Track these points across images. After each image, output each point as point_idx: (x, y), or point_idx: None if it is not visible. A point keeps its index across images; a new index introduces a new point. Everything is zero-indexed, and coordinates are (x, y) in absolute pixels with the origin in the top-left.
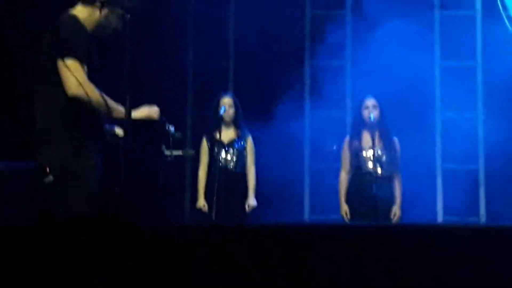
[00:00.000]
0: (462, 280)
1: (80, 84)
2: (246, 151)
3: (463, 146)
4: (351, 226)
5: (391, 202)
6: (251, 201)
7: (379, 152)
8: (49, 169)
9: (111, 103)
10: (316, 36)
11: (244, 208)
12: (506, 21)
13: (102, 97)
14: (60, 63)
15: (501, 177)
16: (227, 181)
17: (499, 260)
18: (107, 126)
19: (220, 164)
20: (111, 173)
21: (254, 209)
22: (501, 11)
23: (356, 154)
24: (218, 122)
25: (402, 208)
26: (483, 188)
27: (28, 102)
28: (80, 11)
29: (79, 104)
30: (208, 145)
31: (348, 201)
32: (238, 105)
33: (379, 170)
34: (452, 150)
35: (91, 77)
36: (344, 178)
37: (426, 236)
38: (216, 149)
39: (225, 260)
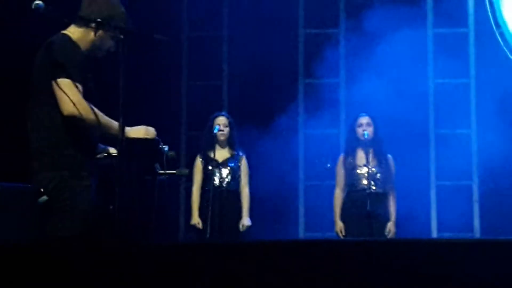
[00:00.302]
0: None
1: (75, 103)
2: (240, 170)
3: (457, 162)
4: (345, 242)
5: (385, 219)
6: (245, 221)
7: (374, 169)
8: (44, 190)
9: (107, 121)
10: (309, 54)
11: (238, 227)
12: (499, 38)
13: (97, 115)
14: (54, 84)
15: (496, 193)
16: (221, 200)
17: (494, 273)
18: (101, 146)
19: (214, 182)
20: (106, 193)
21: (248, 228)
22: (494, 28)
23: (351, 172)
24: (212, 142)
25: (397, 225)
26: (477, 204)
27: (22, 123)
28: (74, 32)
29: (74, 124)
30: (202, 164)
31: (342, 218)
32: (232, 124)
33: (373, 187)
34: (446, 167)
35: (86, 97)
36: (339, 195)
37: (421, 251)
38: (210, 168)
39: (221, 277)
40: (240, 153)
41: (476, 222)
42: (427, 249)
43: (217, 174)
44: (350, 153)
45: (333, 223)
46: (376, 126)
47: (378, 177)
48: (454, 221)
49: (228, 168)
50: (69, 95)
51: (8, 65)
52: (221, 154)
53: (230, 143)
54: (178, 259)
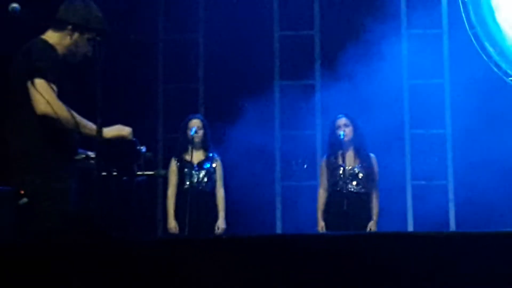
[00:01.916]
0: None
1: (48, 102)
2: (215, 172)
3: (432, 162)
4: (324, 236)
5: (365, 219)
6: (221, 223)
7: (356, 169)
8: (24, 192)
9: (82, 120)
10: (285, 56)
11: (214, 229)
12: (473, 38)
13: (72, 115)
14: (29, 84)
15: (470, 191)
16: (197, 202)
17: (471, 265)
18: (80, 150)
19: (190, 184)
20: (85, 194)
21: (224, 230)
22: (468, 29)
23: (333, 172)
24: (187, 144)
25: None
26: (452, 203)
27: (0, 126)
28: (51, 37)
29: (50, 124)
30: (177, 166)
31: (324, 218)
32: (206, 126)
33: (354, 187)
34: (421, 166)
35: (62, 98)
36: (322, 195)
37: (398, 244)
38: (185, 170)
39: (198, 272)
40: (215, 155)
41: (452, 221)
42: (404, 243)
43: (193, 176)
44: (332, 154)
45: (309, 224)
46: (355, 126)
47: (359, 177)
48: (429, 220)
49: (204, 170)
50: (43, 95)
51: None
52: (196, 156)
53: (204, 145)
54: (158, 254)
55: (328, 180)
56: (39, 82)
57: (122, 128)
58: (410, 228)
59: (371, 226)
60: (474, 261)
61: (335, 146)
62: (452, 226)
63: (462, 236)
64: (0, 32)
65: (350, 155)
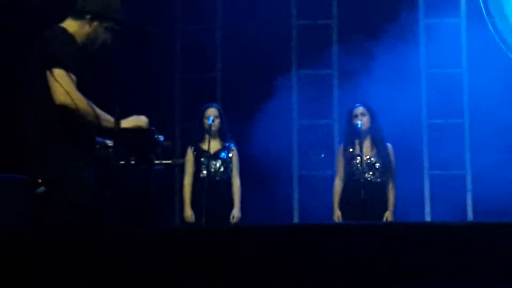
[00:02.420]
0: (451, 274)
1: (68, 92)
2: (231, 162)
3: (450, 152)
4: (341, 225)
5: (382, 209)
6: (236, 212)
7: (372, 159)
8: (42, 181)
9: (100, 112)
10: (302, 45)
11: (230, 219)
12: (491, 27)
13: (91, 106)
14: (48, 74)
15: (488, 181)
16: (214, 191)
17: (488, 255)
18: (99, 139)
19: (207, 173)
20: (103, 183)
21: (239, 220)
22: (486, 18)
23: (349, 162)
24: (203, 133)
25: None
26: (470, 194)
27: (17, 115)
28: (70, 25)
29: (68, 114)
30: (193, 155)
31: (340, 208)
32: (223, 115)
33: (372, 177)
34: (439, 156)
35: (82, 88)
36: (338, 184)
37: (415, 234)
38: (202, 159)
39: (217, 261)
40: (231, 145)
41: (469, 211)
42: (422, 233)
43: (209, 166)
44: (349, 143)
45: (326, 213)
46: (372, 115)
47: (377, 166)
48: (447, 210)
49: (220, 159)
50: (62, 85)
51: (3, 59)
52: (212, 145)
53: (221, 134)
54: (175, 243)
55: (345, 169)
56: (58, 72)
57: (139, 119)
58: (428, 218)
59: (388, 216)
60: (491, 251)
61: (351, 135)
62: (470, 216)
63: (479, 226)
64: (20, 22)
65: (367, 144)
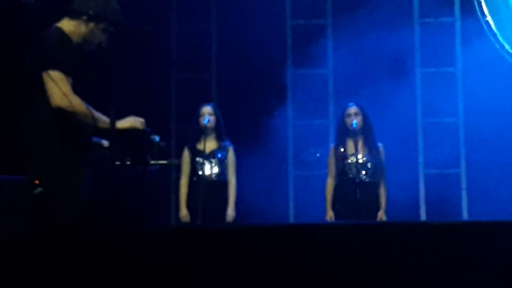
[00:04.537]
0: (446, 274)
1: (65, 95)
2: (227, 161)
3: (444, 151)
4: (337, 225)
5: (375, 208)
6: (231, 211)
7: (364, 158)
8: (39, 183)
9: (96, 114)
10: (297, 45)
11: (225, 218)
12: (485, 26)
13: (87, 108)
14: (45, 75)
15: (483, 179)
16: (209, 191)
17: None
18: (95, 139)
19: (202, 173)
20: (99, 184)
21: (233, 219)
22: (480, 17)
23: (342, 161)
24: (199, 132)
25: (386, 213)
26: (465, 192)
27: (13, 116)
28: (66, 25)
29: (65, 116)
30: (189, 155)
31: (333, 207)
32: (219, 115)
33: (364, 177)
34: (433, 155)
35: (77, 89)
36: (330, 184)
37: (410, 233)
38: (198, 159)
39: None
40: (227, 144)
41: (464, 210)
42: (417, 232)
43: (205, 166)
44: (341, 143)
45: (322, 213)
46: (365, 115)
47: (368, 166)
48: (442, 209)
49: (216, 159)
50: (59, 87)
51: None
52: (208, 144)
53: (217, 134)
54: (171, 243)
55: (336, 169)
56: (55, 74)
57: (135, 120)
58: (423, 217)
59: (381, 215)
60: (486, 250)
61: (342, 135)
62: (465, 215)
63: (474, 225)
64: (15, 22)
65: (359, 144)
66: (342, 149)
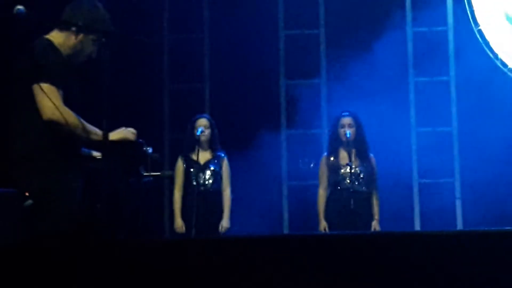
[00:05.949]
0: (441, 284)
1: (56, 107)
2: (221, 172)
3: (438, 160)
4: (331, 235)
5: (369, 218)
6: (225, 222)
7: (357, 169)
8: (29, 195)
9: (88, 126)
10: (290, 55)
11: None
12: (478, 35)
13: (79, 120)
14: (35, 88)
15: (477, 188)
16: (204, 202)
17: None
18: (85, 150)
19: (196, 184)
20: (91, 196)
21: (228, 230)
22: (473, 26)
23: (334, 172)
24: (194, 144)
25: (380, 223)
26: (459, 201)
27: (3, 127)
28: (56, 37)
29: (56, 129)
30: (183, 166)
31: (326, 218)
32: (213, 126)
33: (357, 187)
34: (428, 165)
35: (68, 101)
36: (322, 195)
37: (404, 243)
38: (192, 170)
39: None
40: (222, 155)
41: (459, 219)
42: (411, 242)
43: (200, 176)
44: (333, 153)
45: (316, 224)
46: (358, 126)
47: (361, 176)
48: (436, 218)
49: (210, 169)
50: (50, 100)
51: None
52: (203, 155)
53: (211, 144)
54: (166, 255)
55: (329, 179)
56: (46, 87)
57: (127, 131)
58: (417, 226)
59: (375, 225)
60: (481, 260)
61: (335, 144)
62: (459, 224)
63: (469, 235)
64: (5, 33)
65: (351, 154)
66: (332, 158)
